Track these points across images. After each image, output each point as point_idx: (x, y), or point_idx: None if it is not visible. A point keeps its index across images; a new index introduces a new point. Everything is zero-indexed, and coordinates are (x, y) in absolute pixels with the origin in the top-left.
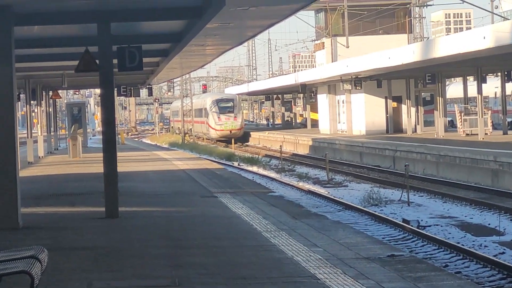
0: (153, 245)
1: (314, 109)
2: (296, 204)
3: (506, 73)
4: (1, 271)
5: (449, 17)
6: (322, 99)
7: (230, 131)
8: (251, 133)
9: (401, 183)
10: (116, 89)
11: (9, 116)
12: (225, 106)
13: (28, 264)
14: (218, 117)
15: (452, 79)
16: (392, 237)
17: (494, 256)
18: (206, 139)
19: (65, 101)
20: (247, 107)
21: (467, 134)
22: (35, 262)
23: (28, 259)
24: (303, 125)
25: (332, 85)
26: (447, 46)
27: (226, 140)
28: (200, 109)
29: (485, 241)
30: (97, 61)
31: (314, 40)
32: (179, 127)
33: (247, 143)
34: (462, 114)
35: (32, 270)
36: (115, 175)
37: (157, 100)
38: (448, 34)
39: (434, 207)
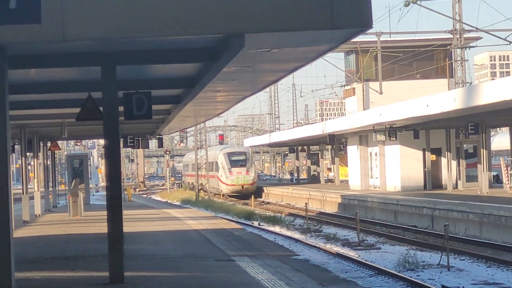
0: None
1: (344, 162)
2: (323, 269)
3: None
4: None
5: (495, 60)
6: (353, 151)
7: (242, 186)
8: (271, 188)
9: (440, 245)
10: (122, 139)
11: (1, 169)
12: (237, 160)
13: None
14: (230, 171)
15: (498, 129)
16: None
17: None
18: (222, 195)
19: (65, 152)
20: (268, 160)
21: None
22: None
23: None
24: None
25: (363, 136)
26: (492, 92)
27: (239, 196)
28: (211, 163)
29: None
30: (101, 109)
31: (344, 86)
32: (192, 182)
33: (263, 200)
34: (509, 168)
35: None
36: (121, 235)
37: (168, 152)
38: (493, 79)
39: (477, 272)
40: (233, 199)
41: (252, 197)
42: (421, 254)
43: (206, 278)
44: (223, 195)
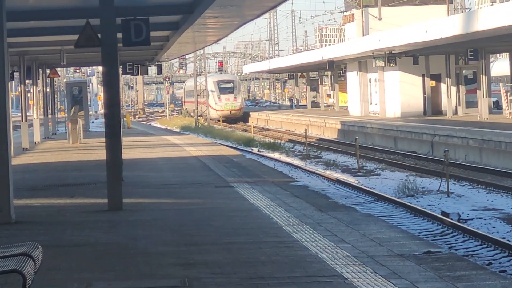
0: (160, 242)
1: (343, 88)
2: (322, 195)
3: None
4: None
5: None
6: (352, 77)
7: (230, 111)
8: (256, 113)
9: (440, 171)
10: (121, 66)
11: (0, 97)
12: (225, 87)
13: (19, 262)
14: (219, 98)
15: (498, 55)
16: (429, 231)
17: None
18: (210, 119)
19: (64, 80)
20: (268, 87)
21: None
22: (27, 260)
23: (20, 256)
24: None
25: (363, 62)
26: (492, 17)
27: (229, 120)
28: (190, 91)
29: None
30: (99, 35)
31: (343, 12)
32: (192, 109)
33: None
34: (509, 94)
35: (24, 269)
36: (119, 163)
37: (167, 79)
38: (493, 5)
39: (477, 198)
40: (233, 126)
41: (252, 124)
42: (421, 180)
43: (205, 205)
44: (211, 119)
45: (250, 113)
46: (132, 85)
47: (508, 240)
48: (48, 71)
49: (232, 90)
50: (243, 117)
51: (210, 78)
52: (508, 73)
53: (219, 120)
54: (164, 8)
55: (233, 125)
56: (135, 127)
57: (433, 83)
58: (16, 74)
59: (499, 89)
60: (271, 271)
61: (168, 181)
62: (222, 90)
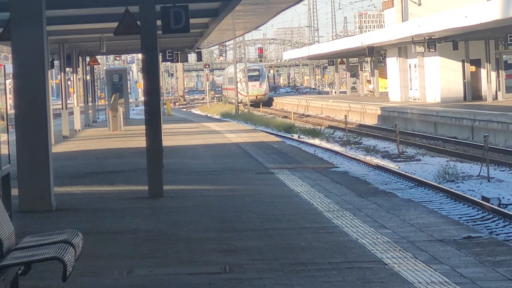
0: (201, 228)
1: (383, 74)
2: (363, 181)
3: None
4: (31, 258)
5: None
6: (392, 63)
7: (256, 96)
8: (280, 98)
9: (480, 156)
10: (161, 54)
11: (40, 85)
12: (251, 75)
13: (60, 250)
14: (246, 85)
15: None
16: (469, 216)
17: None
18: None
19: (104, 67)
20: (308, 73)
21: None
22: (68, 247)
23: (61, 244)
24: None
25: (403, 48)
26: None
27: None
28: (231, 78)
29: None
30: (139, 23)
31: None
32: (232, 96)
33: (302, 113)
34: None
35: (65, 256)
36: (160, 150)
37: (207, 66)
38: None
39: None
40: (274, 112)
41: (292, 111)
42: (461, 165)
43: (245, 191)
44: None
45: (285, 97)
46: (172, 72)
47: None
48: (88, 58)
49: (258, 78)
50: (268, 102)
51: (238, 67)
52: None
53: (245, 104)
54: None
55: (273, 112)
56: (175, 114)
57: (473, 68)
58: (56, 62)
59: None
60: (312, 257)
61: (208, 167)
62: (249, 78)
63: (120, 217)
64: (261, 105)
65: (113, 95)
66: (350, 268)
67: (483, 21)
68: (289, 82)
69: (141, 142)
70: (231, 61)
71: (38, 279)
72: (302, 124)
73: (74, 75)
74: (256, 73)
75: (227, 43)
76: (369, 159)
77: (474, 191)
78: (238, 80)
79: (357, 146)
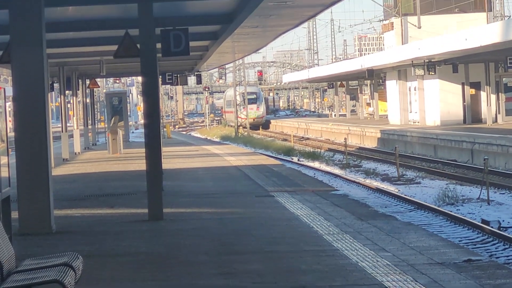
0: (202, 251)
1: (383, 97)
2: (362, 204)
3: None
4: (31, 281)
5: None
6: (392, 86)
7: (253, 119)
8: (277, 120)
9: (480, 179)
10: (160, 76)
11: (40, 108)
12: (249, 98)
13: (60, 273)
14: (243, 108)
15: None
16: (469, 239)
17: None
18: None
19: (104, 90)
20: (307, 96)
21: None
22: (68, 270)
23: (61, 267)
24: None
25: (402, 70)
26: None
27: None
28: (229, 101)
29: None
30: (139, 46)
31: (382, 20)
32: (231, 119)
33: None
34: None
35: (65, 279)
36: (160, 172)
37: (207, 89)
38: None
39: None
40: (274, 135)
41: (292, 134)
42: (461, 188)
43: (246, 214)
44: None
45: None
46: (171, 95)
47: None
48: (87, 81)
49: (255, 101)
50: (266, 124)
51: (238, 90)
52: None
53: (244, 127)
54: (203, 18)
55: (273, 135)
56: (175, 137)
57: (473, 91)
58: (56, 85)
59: None
60: (312, 280)
61: (208, 190)
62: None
63: (120, 240)
64: (260, 128)
65: (113, 118)
66: None
67: (483, 44)
68: (288, 105)
69: (141, 165)
70: (231, 84)
71: None
72: (302, 147)
73: (74, 97)
74: (253, 96)
75: (226, 66)
76: (369, 182)
77: (474, 214)
78: (238, 102)
79: (356, 169)
